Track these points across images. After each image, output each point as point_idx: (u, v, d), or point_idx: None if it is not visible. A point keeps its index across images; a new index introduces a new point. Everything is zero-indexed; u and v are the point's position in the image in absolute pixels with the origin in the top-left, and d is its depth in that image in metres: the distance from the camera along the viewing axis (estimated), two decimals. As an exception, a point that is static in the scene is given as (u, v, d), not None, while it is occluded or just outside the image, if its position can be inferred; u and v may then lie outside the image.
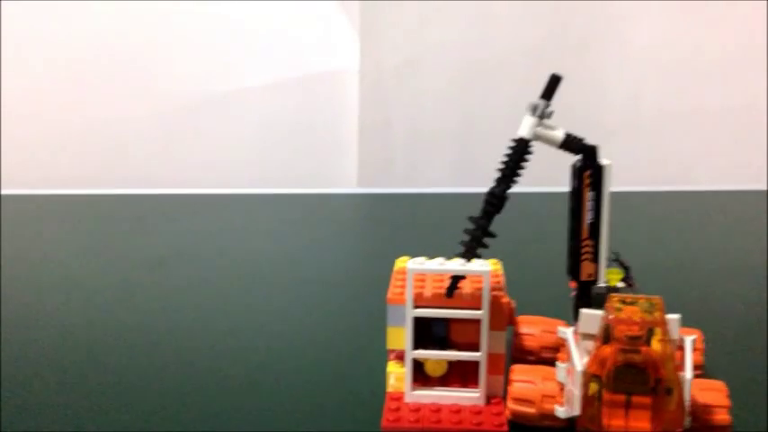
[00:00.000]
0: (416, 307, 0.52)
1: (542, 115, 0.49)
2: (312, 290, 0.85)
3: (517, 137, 0.49)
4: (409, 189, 1.48)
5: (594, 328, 0.44)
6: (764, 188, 1.41)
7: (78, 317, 0.76)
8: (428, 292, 0.53)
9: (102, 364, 0.64)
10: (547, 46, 1.45)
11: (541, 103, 0.49)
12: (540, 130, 0.49)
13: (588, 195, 0.48)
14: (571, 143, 0.49)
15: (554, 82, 0.49)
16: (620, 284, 0.50)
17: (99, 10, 1.44)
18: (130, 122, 1.50)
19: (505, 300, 0.53)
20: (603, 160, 0.49)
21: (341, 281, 0.88)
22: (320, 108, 1.52)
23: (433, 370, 0.54)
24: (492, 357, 0.53)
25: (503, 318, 0.53)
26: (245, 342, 0.69)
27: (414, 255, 0.63)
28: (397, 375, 0.54)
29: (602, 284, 0.49)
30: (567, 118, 1.65)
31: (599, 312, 0.45)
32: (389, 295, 0.53)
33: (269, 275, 0.91)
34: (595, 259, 0.49)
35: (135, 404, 0.56)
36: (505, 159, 0.49)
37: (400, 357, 0.54)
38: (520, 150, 0.49)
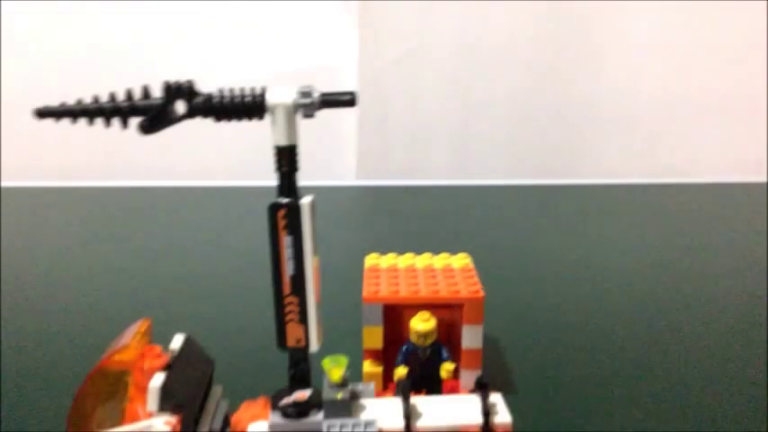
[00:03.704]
0: (391, 305, 0.52)
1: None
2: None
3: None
4: (407, 182, 1.48)
5: None
6: (764, 180, 1.40)
7: (79, 309, 0.77)
8: (403, 291, 0.53)
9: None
10: (545, 39, 1.44)
11: None
12: None
13: (285, 241, 0.38)
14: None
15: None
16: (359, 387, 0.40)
17: (99, 8, 1.44)
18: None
19: (481, 294, 0.52)
20: (305, 199, 0.38)
21: (339, 273, 0.88)
22: (318, 101, 1.51)
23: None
24: (468, 353, 0.53)
25: (478, 311, 0.52)
26: (240, 332, 0.70)
27: (409, 248, 0.63)
28: (373, 374, 0.53)
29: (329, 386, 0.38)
30: (564, 110, 1.65)
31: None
32: (365, 294, 0.53)
33: (267, 267, 0.92)
34: (303, 320, 0.39)
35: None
36: None
37: (376, 356, 0.54)
38: None
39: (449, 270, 0.57)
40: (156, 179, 1.47)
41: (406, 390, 0.39)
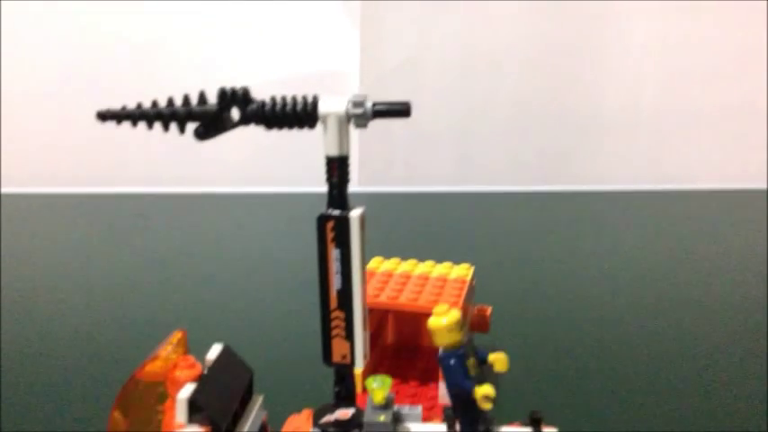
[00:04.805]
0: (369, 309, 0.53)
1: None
2: (312, 289, 0.85)
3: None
4: (410, 188, 1.49)
5: None
6: (764, 187, 1.39)
7: (79, 316, 0.78)
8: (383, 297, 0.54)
9: (104, 363, 0.65)
10: (546, 45, 1.45)
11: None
12: None
13: (333, 254, 0.37)
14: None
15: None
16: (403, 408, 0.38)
17: (101, 9, 1.45)
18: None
19: (458, 306, 0.52)
20: (354, 211, 0.37)
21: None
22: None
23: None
24: None
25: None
26: (244, 339, 0.70)
27: (404, 254, 0.64)
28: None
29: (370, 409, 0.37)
30: (566, 117, 1.64)
31: None
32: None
33: (269, 274, 0.92)
34: (349, 336, 0.38)
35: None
36: None
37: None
38: None
39: (441, 279, 0.56)
40: (154, 186, 1.48)
41: (450, 418, 0.37)
